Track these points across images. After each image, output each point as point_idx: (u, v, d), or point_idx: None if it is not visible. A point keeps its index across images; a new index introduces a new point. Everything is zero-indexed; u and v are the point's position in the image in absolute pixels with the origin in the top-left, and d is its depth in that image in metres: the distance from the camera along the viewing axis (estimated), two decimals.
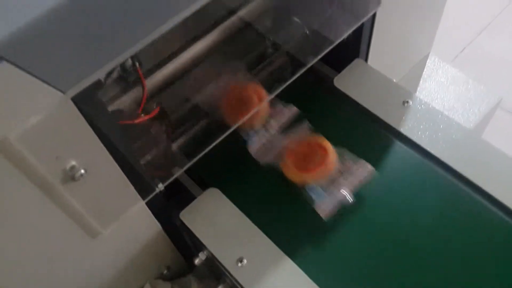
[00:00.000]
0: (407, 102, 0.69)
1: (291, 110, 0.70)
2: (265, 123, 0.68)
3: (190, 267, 0.76)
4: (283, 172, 0.64)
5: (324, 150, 0.63)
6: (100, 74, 0.38)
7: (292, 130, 0.67)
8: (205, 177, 0.68)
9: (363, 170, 0.62)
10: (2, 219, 0.42)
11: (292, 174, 0.64)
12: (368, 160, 0.65)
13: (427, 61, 0.99)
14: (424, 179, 0.64)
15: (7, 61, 0.32)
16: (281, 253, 0.59)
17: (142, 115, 0.57)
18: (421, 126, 0.67)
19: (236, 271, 0.58)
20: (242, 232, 0.62)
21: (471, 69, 1.34)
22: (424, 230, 0.60)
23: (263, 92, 0.66)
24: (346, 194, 0.61)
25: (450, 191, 0.62)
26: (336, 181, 0.62)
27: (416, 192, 0.63)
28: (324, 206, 0.61)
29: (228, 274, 0.59)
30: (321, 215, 0.61)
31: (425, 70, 0.99)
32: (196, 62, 0.64)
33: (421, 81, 0.98)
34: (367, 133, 0.69)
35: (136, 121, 0.51)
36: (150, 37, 0.39)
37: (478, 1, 1.53)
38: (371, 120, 0.70)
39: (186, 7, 0.41)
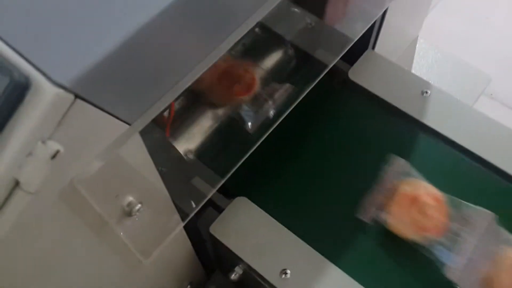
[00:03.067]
0: (426, 92, 0.68)
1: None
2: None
3: (209, 280, 0.73)
4: None
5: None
6: (163, 105, 0.34)
7: None
8: (230, 186, 0.64)
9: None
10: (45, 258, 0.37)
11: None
12: (391, 149, 0.64)
13: (416, 44, 0.99)
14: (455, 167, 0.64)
15: (81, 98, 0.27)
16: (325, 259, 0.57)
17: None
18: (442, 116, 0.67)
19: (281, 284, 0.56)
20: (279, 240, 0.59)
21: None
22: None
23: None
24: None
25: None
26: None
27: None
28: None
29: None
30: None
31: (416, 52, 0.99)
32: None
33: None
34: (387, 124, 0.68)
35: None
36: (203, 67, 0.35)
37: None
38: (390, 111, 0.68)
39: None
